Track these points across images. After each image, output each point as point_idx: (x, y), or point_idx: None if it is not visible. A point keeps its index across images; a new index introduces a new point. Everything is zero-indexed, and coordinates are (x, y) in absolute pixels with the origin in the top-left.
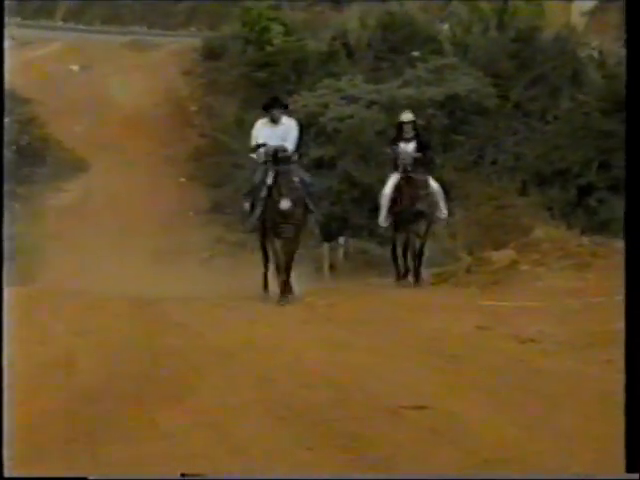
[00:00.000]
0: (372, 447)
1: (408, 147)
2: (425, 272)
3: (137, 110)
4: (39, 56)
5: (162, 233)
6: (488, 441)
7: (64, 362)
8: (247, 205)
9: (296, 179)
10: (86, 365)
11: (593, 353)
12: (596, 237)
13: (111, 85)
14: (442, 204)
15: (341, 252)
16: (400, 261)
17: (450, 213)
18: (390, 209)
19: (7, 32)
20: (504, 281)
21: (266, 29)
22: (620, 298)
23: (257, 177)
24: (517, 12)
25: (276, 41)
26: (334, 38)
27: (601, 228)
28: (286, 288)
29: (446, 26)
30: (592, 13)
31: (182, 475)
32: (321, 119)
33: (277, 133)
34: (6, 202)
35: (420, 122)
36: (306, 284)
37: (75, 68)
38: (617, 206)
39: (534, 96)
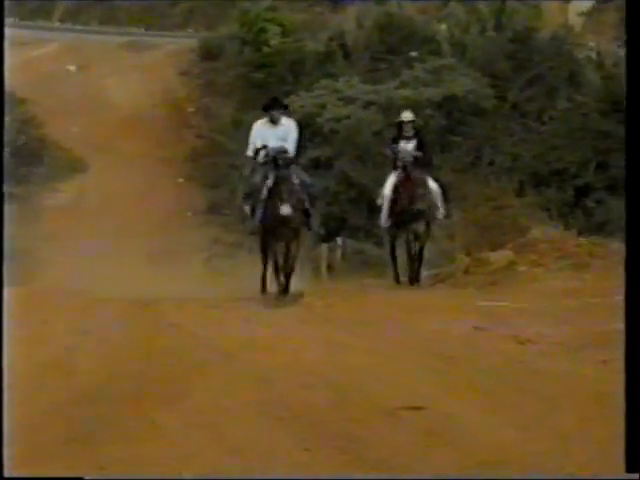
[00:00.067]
0: (370, 448)
1: (408, 146)
2: (423, 273)
3: (134, 111)
4: (36, 56)
5: (159, 234)
6: (486, 442)
7: (61, 363)
8: (247, 208)
9: (296, 181)
10: (83, 365)
11: (591, 354)
12: (593, 237)
13: (108, 86)
14: (440, 204)
15: (339, 253)
16: (399, 261)
17: (448, 214)
18: (391, 209)
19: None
20: (502, 282)
21: (263, 30)
22: (617, 298)
23: (257, 179)
24: (514, 13)
25: (273, 42)
26: (331, 39)
27: (598, 228)
28: (285, 289)
29: (444, 27)
30: (589, 13)
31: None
32: (318, 120)
33: (277, 134)
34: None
35: (418, 123)
36: (304, 284)
37: (72, 68)
38: (614, 207)
39: (531, 97)
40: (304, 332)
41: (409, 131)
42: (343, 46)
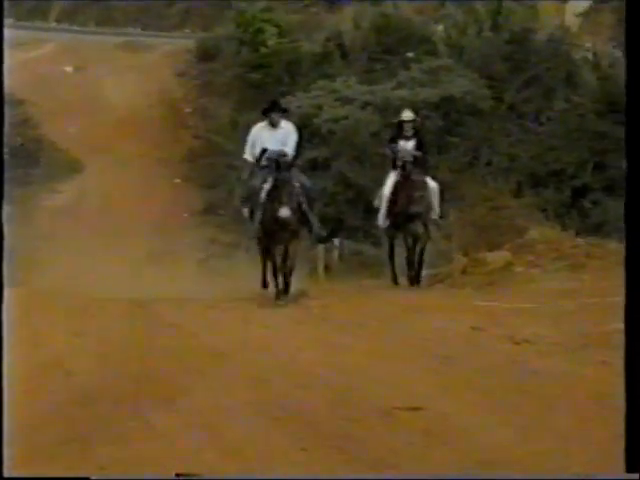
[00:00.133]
0: (367, 448)
1: (408, 145)
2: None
3: (131, 111)
4: (33, 57)
5: (156, 234)
6: (483, 442)
7: (59, 363)
8: (246, 211)
9: (296, 184)
10: (81, 366)
11: (588, 354)
12: (591, 238)
13: (105, 86)
14: (436, 204)
15: (336, 253)
16: (396, 262)
17: (445, 214)
18: (389, 210)
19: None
20: (499, 282)
21: (260, 31)
22: (614, 299)
23: (255, 182)
24: (511, 14)
25: (270, 42)
26: (328, 39)
27: (596, 229)
28: (285, 290)
29: (440, 28)
30: (586, 14)
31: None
32: (315, 120)
33: (276, 137)
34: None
35: (418, 122)
36: (301, 285)
37: (69, 69)
38: (612, 207)
39: (528, 97)
40: (301, 332)
41: (409, 130)
42: (340, 47)
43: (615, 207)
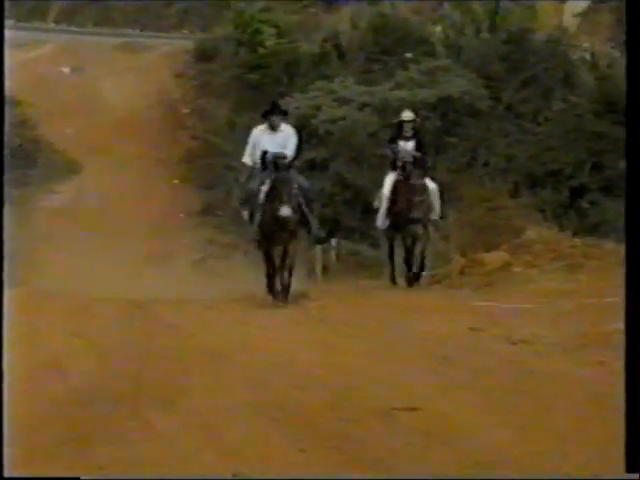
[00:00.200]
0: (365, 449)
1: (407, 145)
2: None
3: (129, 112)
4: (31, 58)
5: (154, 235)
6: (481, 443)
7: (58, 364)
8: (245, 214)
9: (295, 185)
10: (79, 367)
11: (586, 354)
12: (588, 239)
13: (103, 87)
14: (436, 205)
15: (333, 254)
16: (395, 263)
17: (443, 215)
18: (388, 211)
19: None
20: (497, 283)
21: (258, 31)
22: (612, 299)
23: (254, 184)
24: (509, 14)
25: (268, 43)
26: (326, 40)
27: (593, 229)
28: (284, 291)
29: (438, 28)
30: (584, 14)
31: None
32: (313, 121)
33: (276, 140)
34: None
35: (417, 123)
36: (299, 286)
37: (67, 70)
38: (609, 207)
39: (526, 98)
40: (300, 333)
41: (409, 131)
42: (338, 47)
43: (613, 207)
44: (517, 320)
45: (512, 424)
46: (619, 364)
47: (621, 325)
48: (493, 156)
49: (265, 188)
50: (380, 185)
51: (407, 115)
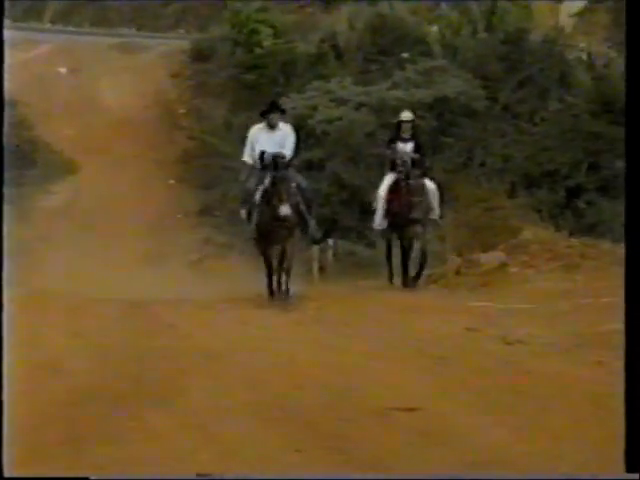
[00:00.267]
0: (362, 448)
1: (406, 147)
2: (414, 274)
3: (126, 112)
4: (28, 58)
5: (151, 235)
6: (478, 443)
7: (54, 364)
8: (244, 212)
9: (293, 184)
10: (76, 367)
11: (582, 354)
12: (585, 239)
13: (100, 87)
14: (436, 205)
15: (330, 254)
16: (394, 263)
17: (442, 215)
18: (386, 211)
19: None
20: (493, 283)
21: (255, 31)
22: (609, 299)
23: (252, 183)
24: (505, 14)
25: (265, 43)
26: (323, 40)
27: (590, 230)
28: (282, 291)
29: (435, 28)
30: (580, 14)
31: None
32: (310, 121)
33: (274, 139)
34: None
35: (416, 123)
36: (296, 286)
37: (64, 70)
38: (606, 208)
39: (523, 98)
40: (297, 333)
41: (407, 131)
42: (335, 47)
43: (609, 207)
44: (513, 320)
45: (509, 424)
46: (616, 364)
47: (618, 325)
48: (490, 156)
49: (263, 187)
50: (378, 185)
51: (406, 115)
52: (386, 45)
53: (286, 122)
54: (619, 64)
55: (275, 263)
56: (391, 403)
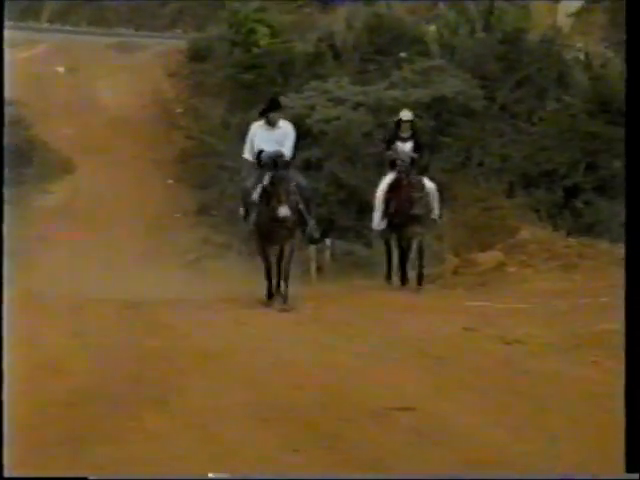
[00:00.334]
0: (359, 448)
1: (405, 146)
2: (411, 273)
3: (123, 112)
4: (25, 58)
5: (149, 235)
6: (476, 442)
7: (52, 364)
8: (241, 210)
9: (292, 183)
10: (75, 367)
11: (580, 354)
12: (582, 238)
13: (97, 87)
14: (435, 205)
15: (327, 254)
16: (394, 263)
17: (441, 215)
18: (385, 211)
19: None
20: (491, 282)
21: (252, 31)
22: (606, 299)
23: (250, 182)
24: (503, 14)
25: (262, 43)
26: (320, 40)
27: (587, 229)
28: (283, 292)
29: (433, 28)
30: (578, 14)
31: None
32: (308, 121)
33: (274, 137)
34: None
35: (416, 122)
36: (293, 286)
37: (61, 70)
38: (603, 207)
39: (520, 98)
40: (294, 333)
41: (406, 131)
42: (332, 47)
43: (607, 207)
44: (511, 320)
45: (506, 424)
46: (613, 364)
47: (616, 325)
48: (487, 156)
49: (261, 186)
50: (375, 185)
51: (405, 115)
52: (383, 45)
53: (286, 120)
54: (616, 64)
55: (274, 263)
56: (389, 403)
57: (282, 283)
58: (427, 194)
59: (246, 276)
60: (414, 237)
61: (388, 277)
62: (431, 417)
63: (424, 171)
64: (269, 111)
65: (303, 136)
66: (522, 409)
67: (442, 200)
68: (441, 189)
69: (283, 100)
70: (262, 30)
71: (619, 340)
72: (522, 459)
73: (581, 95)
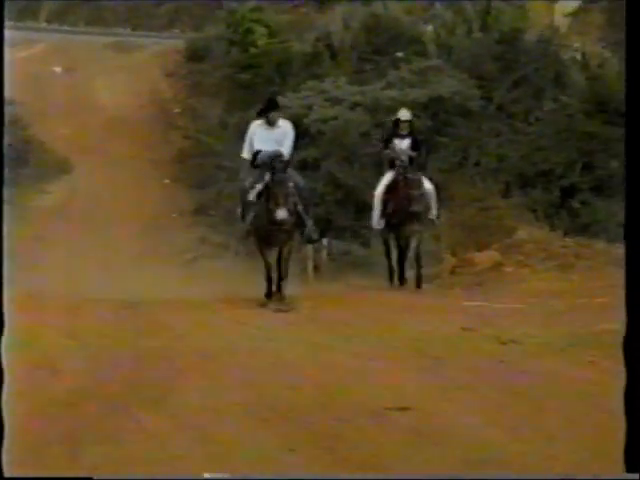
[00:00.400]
0: (356, 448)
1: (403, 144)
2: (409, 273)
3: (121, 112)
4: (23, 57)
5: (146, 235)
6: (472, 442)
7: (49, 364)
8: (239, 211)
9: (291, 184)
10: (73, 367)
11: (577, 354)
12: (579, 238)
13: (94, 87)
14: (433, 204)
15: (324, 253)
16: (394, 263)
17: (439, 215)
18: (383, 210)
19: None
20: (488, 282)
21: (250, 31)
22: (603, 299)
23: (249, 182)
24: (500, 14)
25: (260, 43)
26: (318, 40)
27: (584, 229)
28: (281, 292)
29: (430, 28)
30: (575, 14)
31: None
32: (305, 121)
33: (273, 136)
34: None
35: (414, 122)
36: (291, 285)
37: (58, 69)
38: (600, 207)
39: (517, 98)
40: (291, 333)
41: (405, 129)
42: (330, 47)
43: (603, 207)
44: (508, 320)
45: (503, 424)
46: (611, 364)
47: (613, 325)
48: (484, 156)
49: (259, 187)
50: (373, 185)
51: (404, 114)
52: (380, 45)
53: (285, 119)
54: (613, 64)
55: (273, 264)
56: (385, 403)
57: (280, 283)
58: (425, 193)
59: (244, 276)
60: (412, 235)
61: (390, 279)
62: (429, 417)
63: (422, 169)
64: (267, 111)
65: (300, 136)
66: (519, 409)
67: (439, 200)
68: (438, 189)
69: (280, 100)
70: (259, 30)
71: (616, 340)
72: (520, 459)
73: (578, 95)
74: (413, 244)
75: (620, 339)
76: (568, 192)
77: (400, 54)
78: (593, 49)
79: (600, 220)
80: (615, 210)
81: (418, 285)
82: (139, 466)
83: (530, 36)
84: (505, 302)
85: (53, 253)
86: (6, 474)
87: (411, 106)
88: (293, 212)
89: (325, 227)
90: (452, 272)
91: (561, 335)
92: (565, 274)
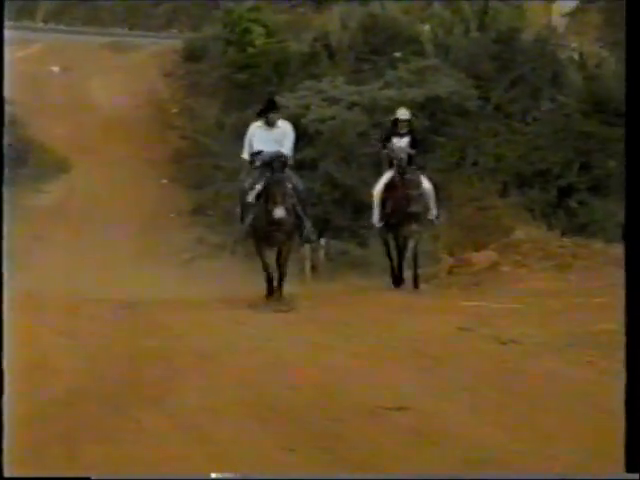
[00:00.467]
0: (354, 448)
1: (401, 142)
2: (407, 273)
3: (118, 112)
4: (20, 57)
5: (144, 235)
6: (470, 442)
7: (47, 364)
8: (238, 211)
9: (289, 185)
10: (71, 367)
11: (574, 354)
12: (577, 238)
13: (92, 87)
14: (432, 204)
15: (322, 253)
16: (394, 262)
17: (438, 215)
18: (383, 209)
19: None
20: (485, 282)
21: (247, 31)
22: (601, 299)
23: (248, 183)
24: (498, 13)
25: (257, 43)
26: (315, 39)
27: (581, 229)
28: (280, 294)
29: (427, 27)
30: (572, 14)
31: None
32: (302, 121)
33: (273, 137)
34: None
35: (413, 122)
36: (288, 285)
37: (56, 69)
38: (597, 207)
39: (515, 97)
40: (289, 333)
41: (404, 128)
42: (327, 47)
43: (601, 207)
44: (506, 320)
45: (501, 423)
46: (608, 363)
47: (610, 325)
48: (482, 156)
49: (257, 188)
50: (370, 184)
51: (403, 114)
52: (378, 44)
53: (284, 120)
54: (611, 64)
55: (272, 265)
56: (386, 403)
57: (279, 281)
58: (424, 193)
59: (242, 276)
60: (410, 236)
61: (393, 279)
62: (427, 417)
63: (420, 168)
64: (266, 112)
65: (298, 136)
66: (517, 409)
67: (438, 200)
68: (436, 189)
69: (278, 100)
70: (257, 30)
71: (614, 340)
72: (518, 458)
73: (575, 95)
74: (411, 244)
75: (618, 339)
76: (565, 192)
77: (398, 54)
78: (590, 49)
79: (598, 220)
80: (613, 210)
81: (415, 285)
82: (138, 466)
83: (527, 36)
84: (503, 302)
85: (51, 253)
86: (6, 474)
87: (409, 106)
88: (291, 212)
89: (323, 227)
90: (450, 272)
91: (559, 335)
92: (563, 274)
